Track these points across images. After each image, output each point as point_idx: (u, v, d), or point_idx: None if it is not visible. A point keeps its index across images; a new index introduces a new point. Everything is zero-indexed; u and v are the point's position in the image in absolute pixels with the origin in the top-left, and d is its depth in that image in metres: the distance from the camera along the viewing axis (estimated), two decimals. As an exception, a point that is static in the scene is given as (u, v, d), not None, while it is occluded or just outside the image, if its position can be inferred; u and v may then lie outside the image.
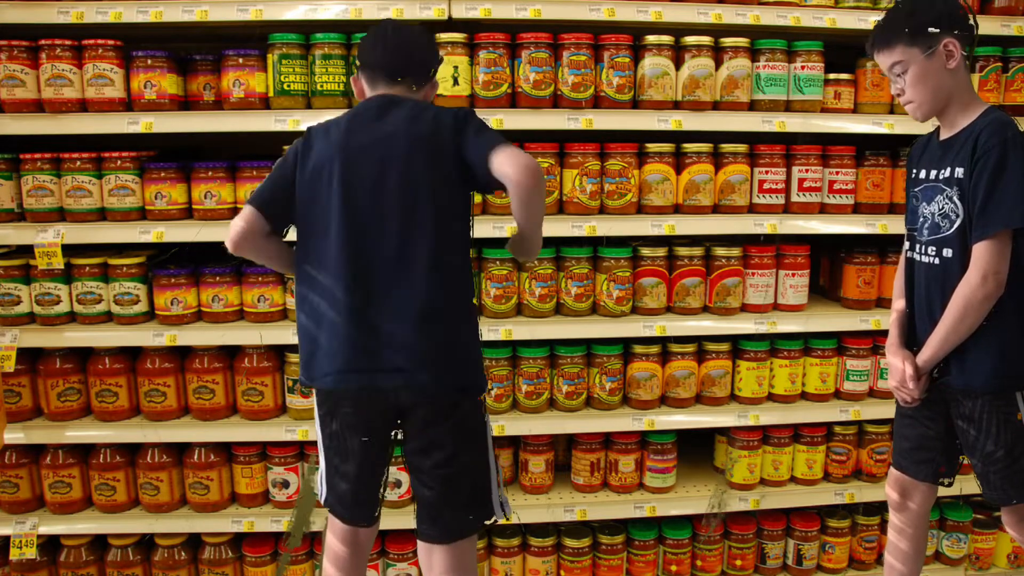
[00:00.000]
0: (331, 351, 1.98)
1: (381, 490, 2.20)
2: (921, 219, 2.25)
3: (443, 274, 1.96)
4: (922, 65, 2.09)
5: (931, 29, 2.05)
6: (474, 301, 2.09)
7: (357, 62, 2.14)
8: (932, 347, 2.19)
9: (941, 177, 2.18)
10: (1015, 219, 2.01)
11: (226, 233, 2.05)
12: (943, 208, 2.16)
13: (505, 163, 1.88)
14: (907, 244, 2.35)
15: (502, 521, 2.19)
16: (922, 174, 2.27)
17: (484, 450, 2.10)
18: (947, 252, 2.16)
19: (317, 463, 2.29)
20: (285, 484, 3.05)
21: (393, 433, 2.10)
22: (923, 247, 2.26)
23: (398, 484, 3.03)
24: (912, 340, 2.32)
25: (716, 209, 3.09)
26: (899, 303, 2.40)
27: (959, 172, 2.11)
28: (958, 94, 2.13)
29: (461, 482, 2.07)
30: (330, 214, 1.97)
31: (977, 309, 2.07)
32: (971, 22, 2.11)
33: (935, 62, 2.08)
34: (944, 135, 2.22)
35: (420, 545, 2.14)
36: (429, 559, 2.11)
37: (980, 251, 2.06)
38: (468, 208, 2.06)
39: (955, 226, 2.13)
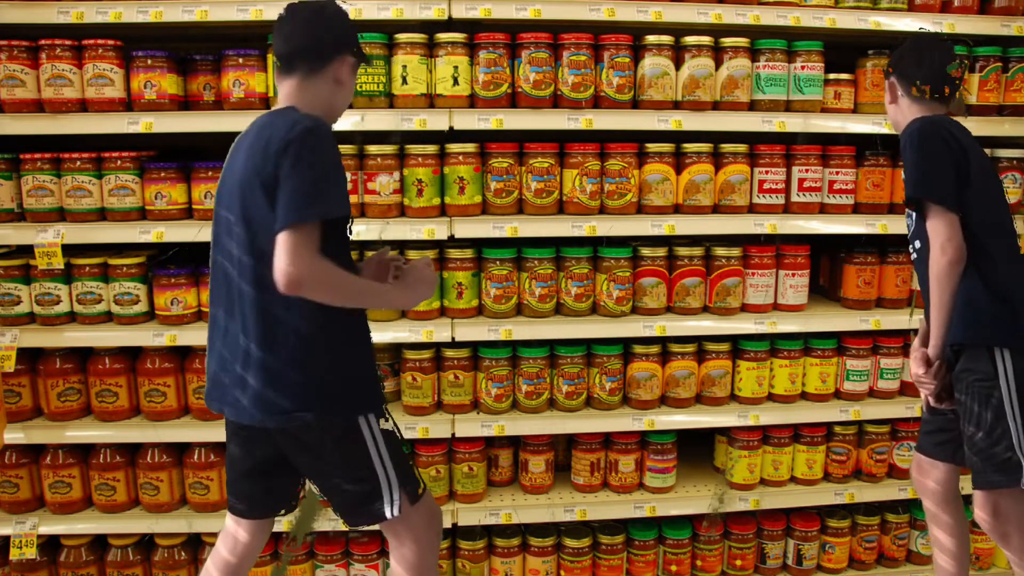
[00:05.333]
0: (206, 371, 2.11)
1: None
2: (907, 219, 2.50)
3: (272, 314, 1.93)
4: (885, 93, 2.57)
5: (887, 71, 2.51)
6: (328, 327, 1.98)
7: None
8: (933, 332, 2.34)
9: None
10: (918, 190, 2.28)
11: None
12: (908, 208, 2.46)
13: (275, 261, 1.82)
14: None
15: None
16: None
17: (358, 469, 2.06)
18: (918, 244, 2.41)
19: None
20: (285, 484, 3.05)
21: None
22: (910, 245, 2.49)
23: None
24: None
25: (716, 209, 3.09)
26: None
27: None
28: (898, 118, 2.49)
29: (339, 499, 2.12)
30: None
31: (948, 277, 2.25)
32: (914, 71, 2.42)
33: (886, 95, 2.54)
34: None
35: None
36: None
37: (929, 228, 2.29)
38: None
39: (914, 220, 2.41)
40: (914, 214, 2.41)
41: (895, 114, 2.51)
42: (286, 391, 1.94)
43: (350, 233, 2.08)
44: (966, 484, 3.08)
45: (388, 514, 2.08)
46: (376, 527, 2.15)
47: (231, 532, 2.26)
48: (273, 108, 2.04)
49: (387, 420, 2.13)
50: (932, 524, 2.64)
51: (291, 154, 1.83)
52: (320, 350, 1.96)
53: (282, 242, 1.81)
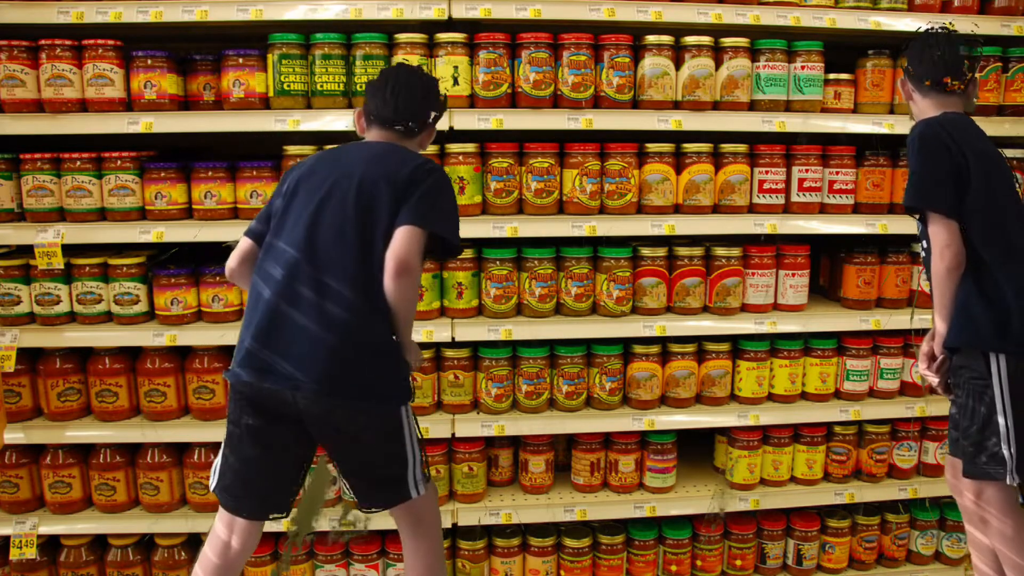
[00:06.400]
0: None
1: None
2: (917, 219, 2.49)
3: (362, 303, 2.05)
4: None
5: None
6: (391, 331, 2.13)
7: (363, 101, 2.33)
8: (939, 328, 2.41)
9: None
10: (917, 199, 2.34)
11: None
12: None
13: (394, 245, 2.05)
14: None
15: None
16: None
17: (396, 453, 2.20)
18: (925, 243, 2.45)
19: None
20: (285, 484, 3.05)
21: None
22: (919, 244, 2.52)
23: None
24: None
25: (716, 209, 3.09)
26: None
27: None
28: (917, 114, 2.52)
29: (369, 481, 2.26)
30: (296, 220, 2.15)
31: (946, 281, 2.33)
32: (918, 66, 2.47)
33: (902, 91, 2.59)
34: None
35: None
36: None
37: (929, 233, 2.36)
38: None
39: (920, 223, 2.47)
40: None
41: (914, 110, 2.55)
42: (364, 376, 2.07)
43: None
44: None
45: (414, 493, 2.23)
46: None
47: (222, 538, 2.23)
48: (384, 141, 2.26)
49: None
50: (973, 549, 2.58)
51: (432, 180, 2.13)
52: (393, 342, 2.14)
53: (405, 233, 2.04)
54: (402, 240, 2.04)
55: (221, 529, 2.24)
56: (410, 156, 2.18)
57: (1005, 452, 2.31)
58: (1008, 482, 2.35)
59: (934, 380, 2.49)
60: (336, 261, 2.05)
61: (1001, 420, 2.31)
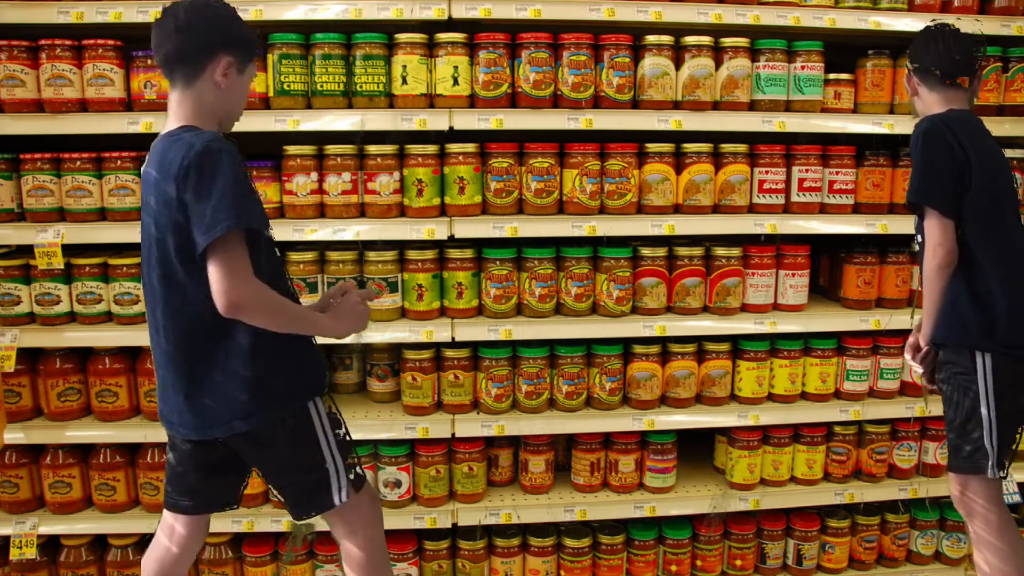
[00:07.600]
0: None
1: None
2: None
3: (201, 329, 1.93)
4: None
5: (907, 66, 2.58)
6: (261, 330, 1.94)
7: None
8: (924, 323, 2.47)
9: None
10: (917, 195, 2.37)
11: None
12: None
13: (214, 282, 1.82)
14: None
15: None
16: None
17: (310, 457, 2.09)
18: (920, 238, 2.48)
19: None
20: (285, 484, 3.05)
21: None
22: (915, 238, 2.56)
23: (398, 484, 3.04)
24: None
25: (716, 209, 3.09)
26: None
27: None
28: (923, 109, 2.53)
29: (290, 491, 2.15)
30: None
31: (936, 278, 2.36)
32: (924, 57, 2.47)
33: (907, 86, 2.60)
34: None
35: None
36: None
37: (924, 229, 2.39)
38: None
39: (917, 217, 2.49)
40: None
41: (919, 106, 2.55)
42: (233, 401, 1.95)
43: (279, 253, 2.09)
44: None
45: (337, 500, 2.11)
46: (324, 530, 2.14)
47: (169, 524, 2.21)
48: (166, 129, 1.98)
49: (330, 401, 2.16)
50: (980, 547, 2.50)
51: (192, 179, 1.80)
52: (260, 353, 1.96)
53: (213, 266, 1.81)
54: (215, 275, 1.80)
55: (168, 518, 2.21)
56: (175, 157, 1.84)
57: (987, 445, 2.36)
58: (990, 475, 2.39)
59: (918, 369, 2.55)
60: (159, 300, 1.94)
61: (984, 412, 2.36)
